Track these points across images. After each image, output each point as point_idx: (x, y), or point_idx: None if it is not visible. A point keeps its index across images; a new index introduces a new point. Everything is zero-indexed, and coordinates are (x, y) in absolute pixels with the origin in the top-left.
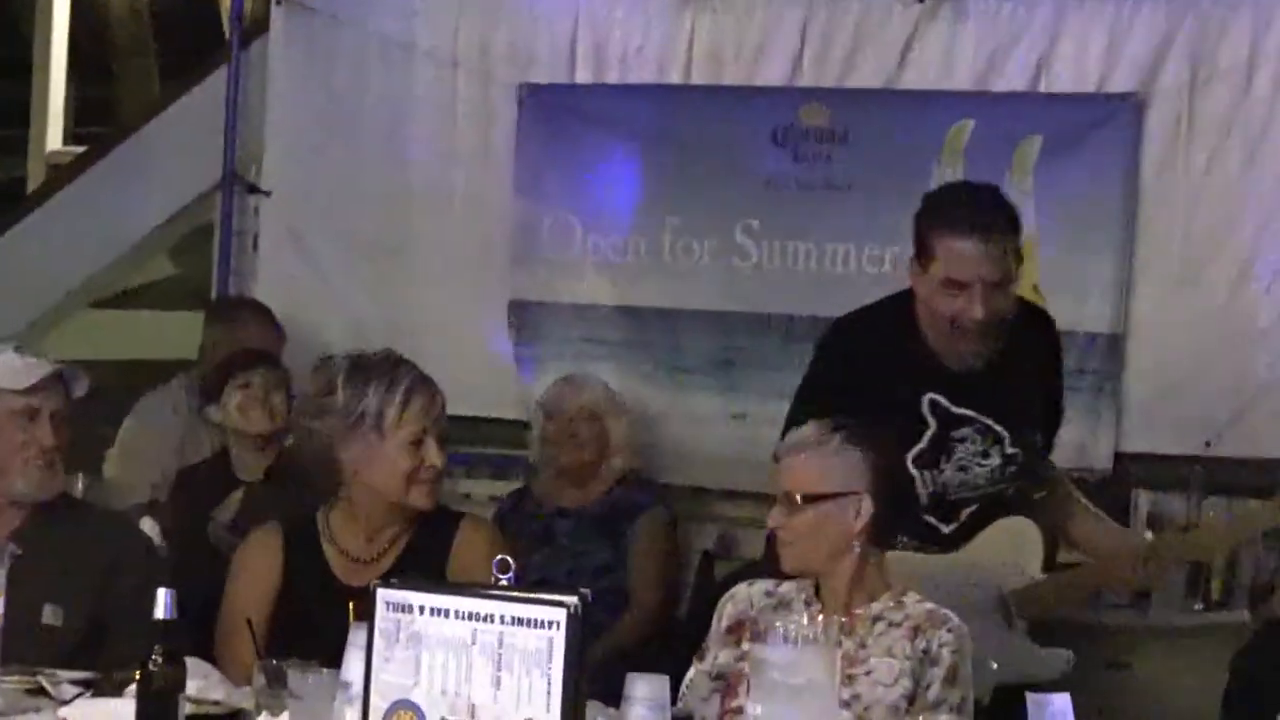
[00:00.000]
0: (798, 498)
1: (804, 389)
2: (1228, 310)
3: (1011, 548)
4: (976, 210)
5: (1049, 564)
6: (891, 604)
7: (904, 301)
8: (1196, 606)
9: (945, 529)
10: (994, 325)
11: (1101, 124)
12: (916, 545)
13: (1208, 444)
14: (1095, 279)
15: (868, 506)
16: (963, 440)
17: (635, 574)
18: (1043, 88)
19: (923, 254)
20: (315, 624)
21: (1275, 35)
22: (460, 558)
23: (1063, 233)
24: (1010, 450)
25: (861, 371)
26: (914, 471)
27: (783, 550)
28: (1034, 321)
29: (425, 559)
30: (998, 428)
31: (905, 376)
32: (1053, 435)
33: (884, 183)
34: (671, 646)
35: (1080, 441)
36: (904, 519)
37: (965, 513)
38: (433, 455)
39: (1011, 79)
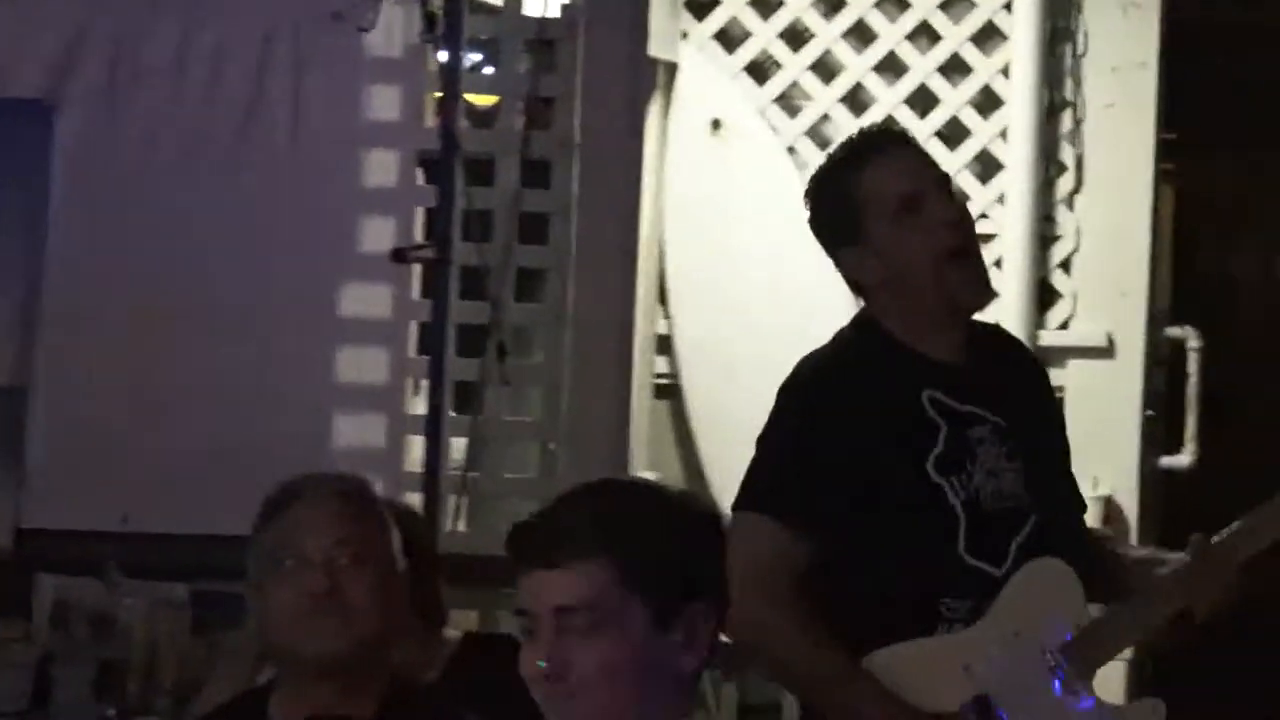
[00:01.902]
0: None
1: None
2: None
3: (1045, 596)
4: (873, 134)
5: None
6: None
7: (853, 333)
8: (109, 714)
9: (998, 572)
10: (974, 237)
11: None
12: (970, 609)
13: (125, 519)
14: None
15: None
16: (980, 442)
17: None
18: None
19: (851, 220)
20: None
21: (209, 34)
22: None
23: None
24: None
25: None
26: (938, 479)
27: None
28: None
29: None
30: (1005, 424)
31: (896, 382)
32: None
33: None
34: None
35: None
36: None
37: (1014, 545)
38: None
39: None
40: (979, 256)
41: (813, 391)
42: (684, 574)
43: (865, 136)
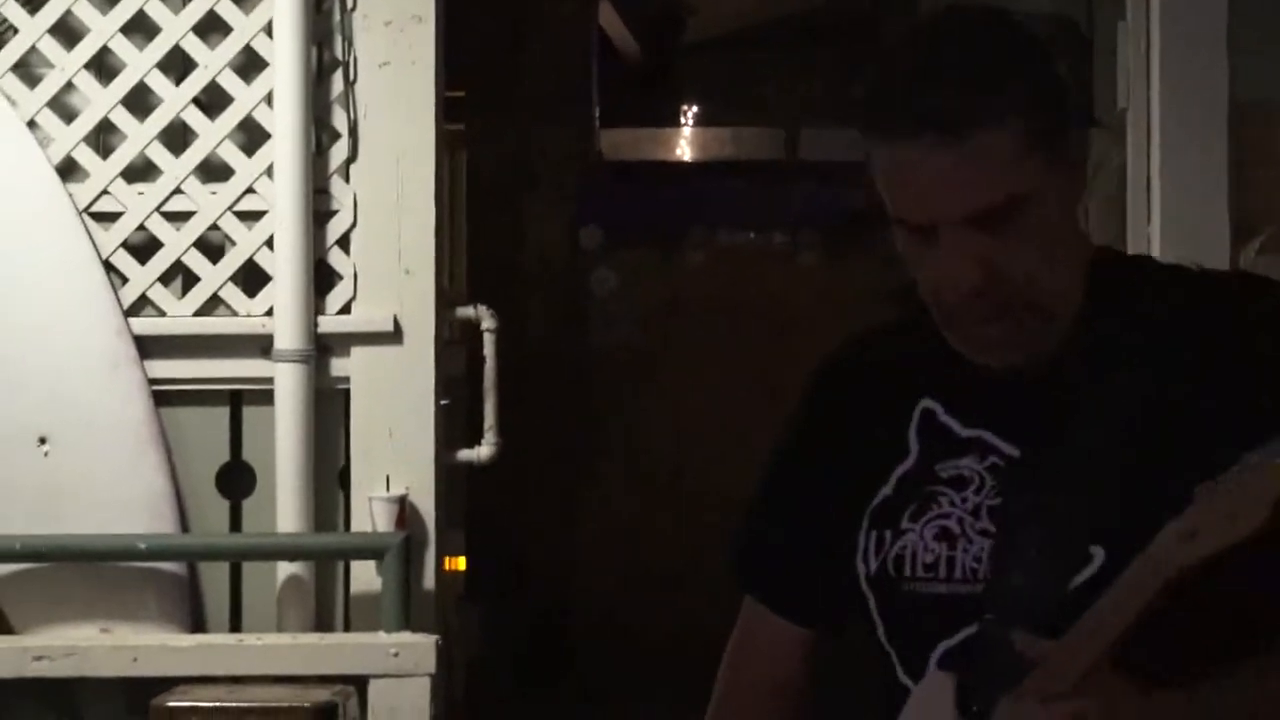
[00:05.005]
0: None
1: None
2: None
3: None
4: (932, 75)
5: None
6: None
7: (900, 310)
8: None
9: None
10: (1016, 300)
11: None
12: None
13: None
14: None
15: None
16: (955, 483)
17: None
18: None
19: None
20: None
21: None
22: None
23: None
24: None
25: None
26: (859, 540)
27: None
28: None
29: None
30: (1025, 458)
31: (901, 386)
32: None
33: None
34: None
35: None
36: None
37: (936, 656)
38: None
39: None
40: (981, 319)
41: (809, 400)
42: None
43: (907, 88)
